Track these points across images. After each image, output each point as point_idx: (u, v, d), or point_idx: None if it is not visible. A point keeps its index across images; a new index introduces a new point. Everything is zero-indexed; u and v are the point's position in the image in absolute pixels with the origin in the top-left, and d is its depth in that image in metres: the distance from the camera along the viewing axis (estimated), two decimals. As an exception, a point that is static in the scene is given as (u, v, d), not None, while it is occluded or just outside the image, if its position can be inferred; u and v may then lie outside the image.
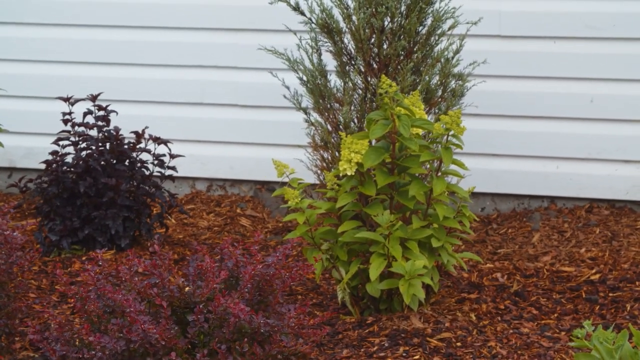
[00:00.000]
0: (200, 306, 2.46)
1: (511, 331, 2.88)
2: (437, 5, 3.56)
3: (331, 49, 3.68)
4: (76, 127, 4.06)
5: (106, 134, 3.99)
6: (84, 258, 3.63)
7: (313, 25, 3.78)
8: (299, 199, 3.12)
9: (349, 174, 2.94)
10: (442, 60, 3.58)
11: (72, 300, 3.32)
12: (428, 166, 3.11)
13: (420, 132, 3.03)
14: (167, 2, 4.80)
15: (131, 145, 3.97)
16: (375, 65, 3.61)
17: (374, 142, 3.09)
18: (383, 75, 3.03)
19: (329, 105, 3.70)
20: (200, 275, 2.59)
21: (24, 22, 4.97)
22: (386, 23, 3.53)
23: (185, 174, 4.50)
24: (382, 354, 2.71)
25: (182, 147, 4.29)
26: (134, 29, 4.93)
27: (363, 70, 3.58)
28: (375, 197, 2.97)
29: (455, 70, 3.63)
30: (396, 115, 2.91)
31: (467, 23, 3.66)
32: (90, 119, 4.03)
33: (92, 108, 4.07)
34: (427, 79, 3.54)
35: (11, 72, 5.01)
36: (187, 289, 2.58)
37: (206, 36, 4.87)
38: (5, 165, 5.04)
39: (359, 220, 3.01)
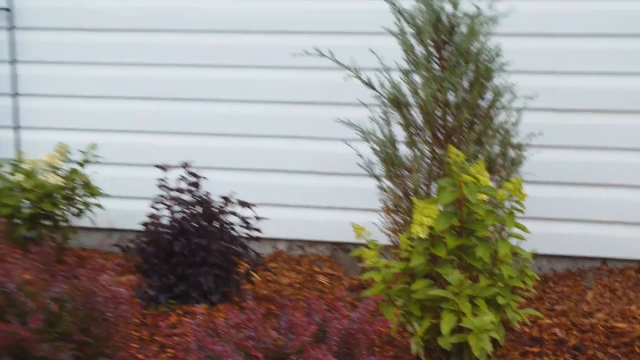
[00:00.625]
0: (293, 358, 2.60)
1: (573, 381, 2.99)
2: (496, 82, 3.68)
3: (400, 121, 3.80)
4: (171, 192, 4.19)
5: (198, 198, 4.14)
6: (180, 312, 3.79)
7: (384, 100, 3.89)
8: (376, 259, 3.23)
9: (421, 236, 3.07)
10: (502, 131, 3.69)
11: (172, 350, 3.53)
12: (493, 229, 3.22)
13: (485, 198, 3.16)
14: (248, 77, 4.91)
15: (220, 208, 4.09)
16: (441, 136, 3.72)
17: (442, 206, 3.20)
18: (451, 146, 3.16)
19: (399, 173, 3.81)
20: (291, 328, 2.72)
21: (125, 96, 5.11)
22: (450, 98, 3.65)
23: (269, 235, 4.55)
24: (455, 401, 2.85)
25: (265, 210, 4.39)
26: (223, 102, 5.01)
27: (430, 140, 3.70)
28: (446, 258, 3.10)
29: (514, 141, 3.74)
30: (464, 183, 3.05)
31: (524, 97, 3.78)
32: (183, 185, 4.18)
33: (185, 174, 4.20)
34: (489, 149, 3.66)
35: (105, 141, 5.00)
36: (280, 342, 2.71)
37: (287, 109, 4.95)
38: (105, 226, 5.11)
39: (431, 279, 3.15)
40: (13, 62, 5.24)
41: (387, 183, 4.01)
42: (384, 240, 3.89)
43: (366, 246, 3.38)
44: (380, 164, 4.00)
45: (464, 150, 3.65)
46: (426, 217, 3.14)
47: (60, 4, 5.18)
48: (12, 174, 4.75)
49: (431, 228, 3.11)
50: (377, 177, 4.08)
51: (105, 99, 5.20)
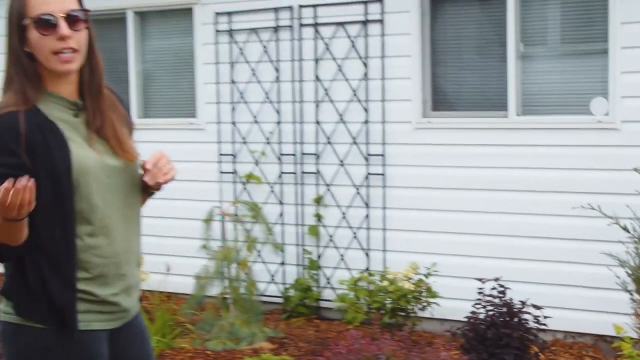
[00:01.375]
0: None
1: None
2: None
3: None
4: (485, 297, 5.01)
5: (504, 301, 4.96)
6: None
7: (635, 239, 4.69)
8: (631, 349, 3.96)
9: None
10: None
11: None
12: None
13: None
14: (536, 221, 5.60)
15: (519, 309, 4.93)
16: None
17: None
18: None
19: (646, 290, 4.53)
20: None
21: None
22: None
23: (551, 327, 5.16)
24: None
25: (550, 310, 5.14)
26: (522, 237, 5.68)
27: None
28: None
29: None
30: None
31: None
32: (494, 292, 5.01)
33: (495, 285, 5.04)
34: None
35: (441, 261, 5.80)
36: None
37: (563, 243, 5.52)
38: (439, 317, 5.76)
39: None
40: (383, 208, 6.13)
41: (636, 296, 4.68)
42: (635, 336, 4.54)
43: (622, 339, 4.07)
44: (632, 283, 4.69)
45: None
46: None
47: (425, 171, 5.95)
48: (381, 281, 5.63)
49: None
50: (629, 292, 4.73)
51: (442, 234, 5.96)
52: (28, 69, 2.27)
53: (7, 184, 2.00)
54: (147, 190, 2.48)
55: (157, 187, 2.41)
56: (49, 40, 2.24)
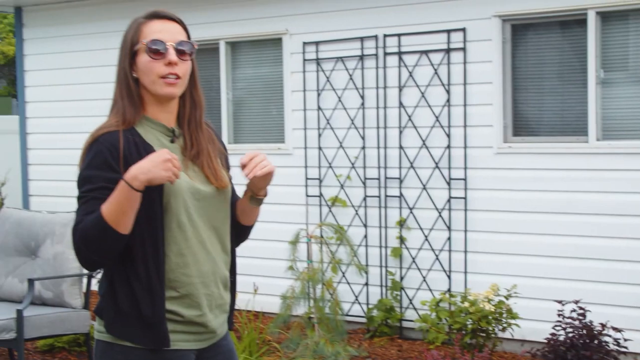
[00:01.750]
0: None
1: None
2: None
3: None
4: (565, 319, 5.13)
5: (583, 323, 5.06)
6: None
7: None
8: None
9: None
10: None
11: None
12: None
13: None
14: (628, 245, 5.67)
15: (599, 331, 5.03)
16: None
17: None
18: None
19: None
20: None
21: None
22: None
23: (632, 350, 5.32)
24: None
25: (630, 333, 5.24)
26: (602, 260, 5.73)
27: None
28: None
29: None
30: None
31: None
32: (574, 314, 5.12)
33: (575, 307, 5.14)
34: None
35: (521, 283, 5.85)
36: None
37: None
38: (519, 338, 5.83)
39: None
40: (465, 230, 6.22)
41: None
42: None
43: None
44: None
45: None
46: None
47: (506, 195, 6.09)
48: (462, 302, 5.71)
49: None
50: None
51: (523, 256, 6.04)
52: (133, 92, 2.45)
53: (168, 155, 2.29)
54: (254, 199, 2.58)
55: (259, 188, 2.54)
56: (158, 65, 2.43)
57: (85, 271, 5.48)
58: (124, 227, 2.30)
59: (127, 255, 2.38)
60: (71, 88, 8.32)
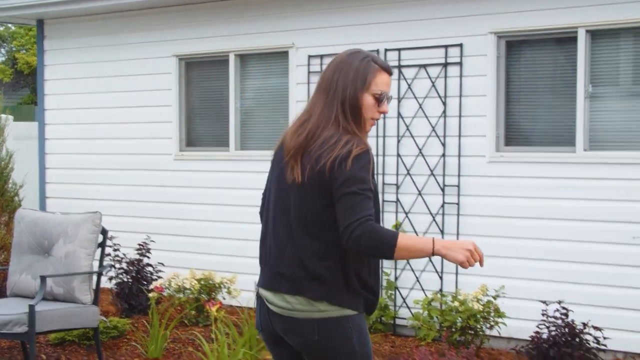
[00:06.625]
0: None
1: None
2: None
3: None
4: (548, 318, 5.25)
5: (566, 322, 5.17)
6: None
7: None
8: None
9: None
10: None
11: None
12: None
13: None
14: (623, 251, 5.76)
15: (580, 330, 5.17)
16: None
17: None
18: None
19: None
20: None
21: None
22: None
23: (611, 348, 5.51)
24: None
25: (609, 332, 5.34)
26: (588, 264, 5.80)
27: None
28: None
29: None
30: None
31: None
32: (556, 314, 5.22)
33: (558, 307, 5.26)
34: None
35: (508, 284, 5.93)
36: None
37: None
38: (505, 336, 6.01)
39: None
40: (457, 234, 6.28)
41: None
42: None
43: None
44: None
45: None
46: None
47: (497, 201, 6.16)
48: (452, 301, 5.82)
49: None
50: None
51: (511, 259, 6.12)
52: (361, 118, 2.84)
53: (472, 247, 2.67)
54: None
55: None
56: (374, 109, 2.85)
57: (94, 269, 5.62)
58: (396, 258, 2.66)
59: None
60: (87, 97, 8.49)
